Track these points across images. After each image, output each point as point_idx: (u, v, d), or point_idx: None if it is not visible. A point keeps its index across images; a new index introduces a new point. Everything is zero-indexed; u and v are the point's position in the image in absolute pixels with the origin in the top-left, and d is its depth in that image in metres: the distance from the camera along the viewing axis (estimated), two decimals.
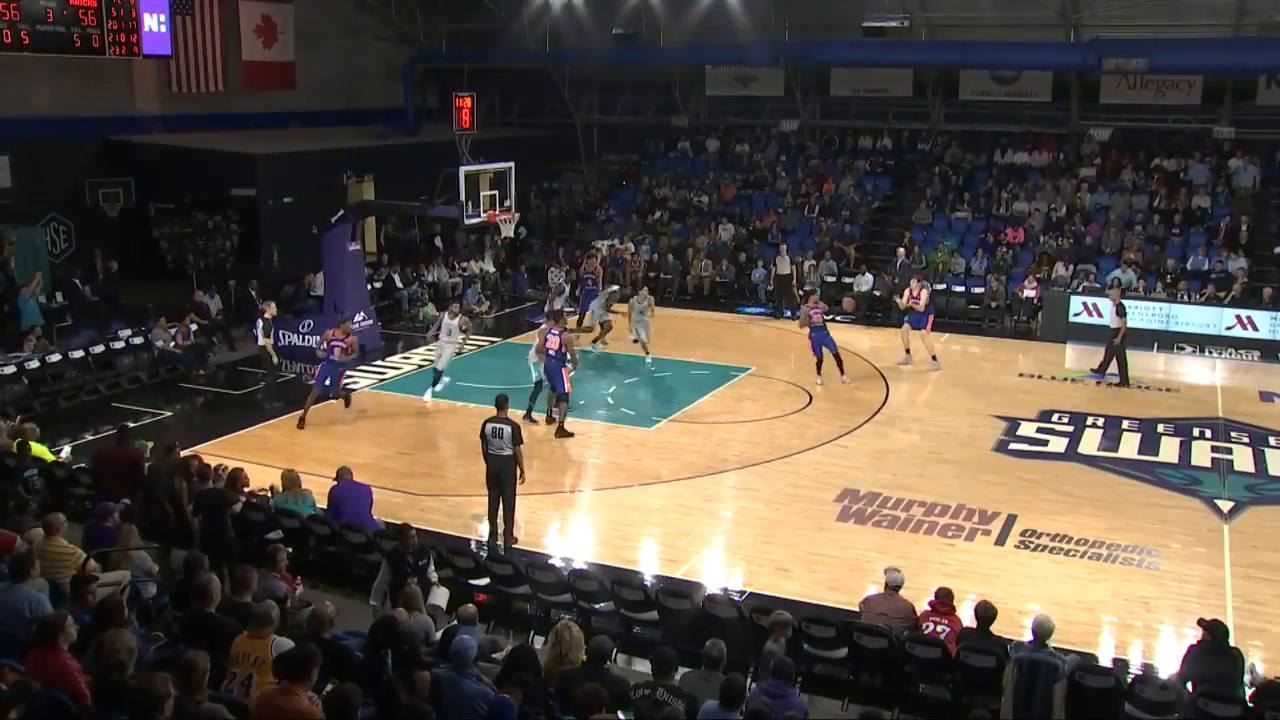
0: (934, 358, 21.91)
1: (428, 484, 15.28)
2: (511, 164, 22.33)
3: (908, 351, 22.04)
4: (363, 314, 23.03)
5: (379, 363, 22.13)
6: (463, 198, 20.93)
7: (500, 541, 13.17)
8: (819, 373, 20.26)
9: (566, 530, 14.15)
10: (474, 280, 28.54)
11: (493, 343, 24.30)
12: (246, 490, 12.60)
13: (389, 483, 15.05)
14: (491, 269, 29.75)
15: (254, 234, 26.62)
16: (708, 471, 15.91)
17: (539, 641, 10.86)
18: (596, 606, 10.98)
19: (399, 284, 27.26)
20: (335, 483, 12.68)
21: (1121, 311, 20.80)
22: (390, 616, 8.55)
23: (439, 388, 19.11)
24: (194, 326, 21.78)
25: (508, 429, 13.11)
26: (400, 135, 32.26)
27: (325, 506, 12.60)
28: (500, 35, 33.40)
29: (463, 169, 21.08)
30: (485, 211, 21.59)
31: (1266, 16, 26.32)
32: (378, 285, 26.59)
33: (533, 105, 37.19)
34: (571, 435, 17.27)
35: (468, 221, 21.87)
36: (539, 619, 11.24)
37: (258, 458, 13.86)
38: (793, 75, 33.81)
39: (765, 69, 33.66)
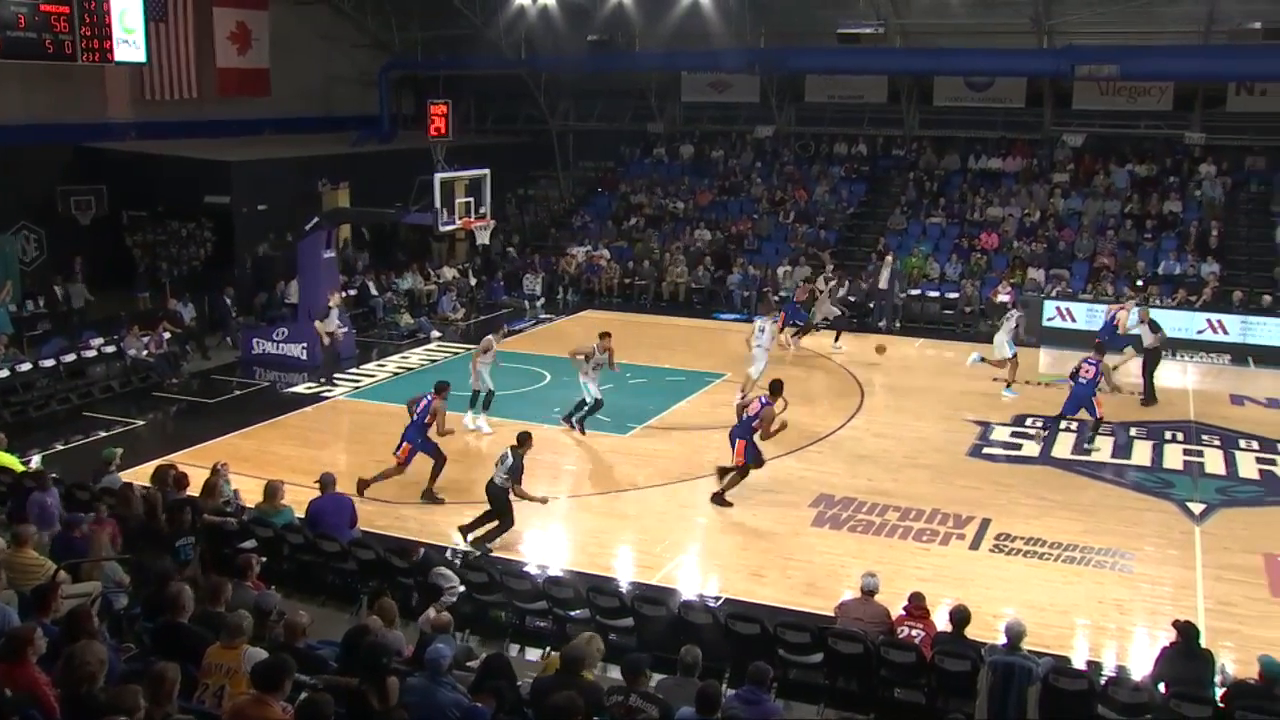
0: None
1: (403, 492, 15.18)
2: (487, 171, 22.37)
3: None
4: (337, 321, 22.95)
5: (354, 370, 22.04)
6: (438, 205, 20.93)
7: (472, 539, 13.37)
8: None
9: (542, 537, 14.11)
10: (449, 288, 28.49)
11: (468, 350, 24.20)
12: (224, 501, 12.57)
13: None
14: (458, 275, 29.65)
15: (229, 242, 26.52)
16: (683, 478, 15.91)
17: (514, 649, 10.90)
18: (571, 614, 10.95)
19: (374, 291, 27.18)
20: (318, 493, 12.59)
21: (1156, 327, 20.60)
22: (363, 625, 8.51)
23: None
24: (167, 335, 21.64)
25: (509, 460, 13.25)
26: (376, 142, 32.21)
27: (302, 517, 12.53)
28: (476, 42, 33.40)
29: (438, 176, 21.06)
30: (460, 219, 21.59)
31: (1235, 24, 26.53)
32: (352, 293, 26.51)
33: (509, 112, 37.19)
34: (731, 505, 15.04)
35: (443, 229, 21.86)
36: (514, 627, 11.23)
37: (232, 467, 13.72)
38: (768, 82, 33.96)
39: (740, 75, 33.81)
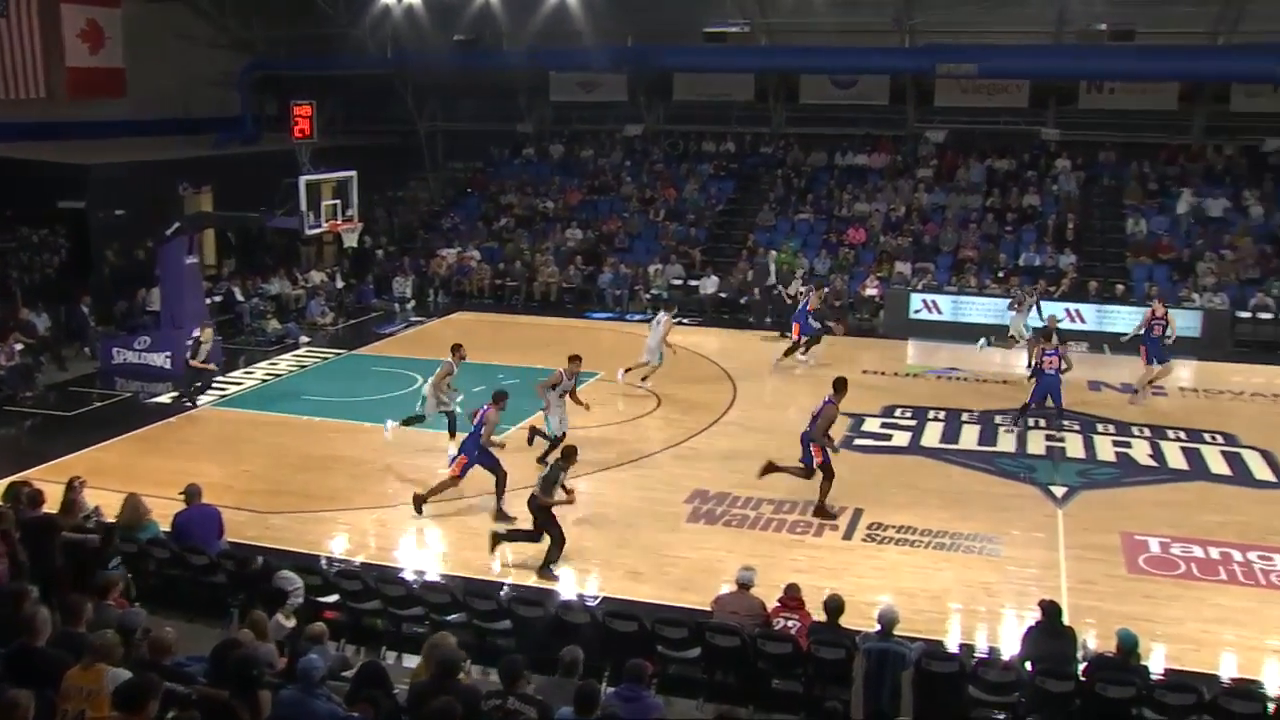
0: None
1: (273, 501, 14.88)
2: (354, 173, 22.03)
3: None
4: (204, 357, 22.29)
5: (220, 379, 21.42)
6: (304, 208, 20.53)
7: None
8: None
9: (418, 542, 13.94)
10: (317, 292, 27.95)
11: (338, 354, 23.83)
12: (84, 517, 12.10)
13: (233, 501, 14.57)
14: (325, 279, 29.11)
15: (85, 248, 25.62)
16: None
17: (390, 656, 10.74)
18: (448, 618, 10.83)
19: (239, 297, 26.52)
20: (184, 505, 12.21)
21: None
22: (233, 639, 8.29)
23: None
24: (19, 346, 20.78)
25: (544, 473, 12.80)
26: (239, 145, 31.43)
27: (168, 530, 12.15)
28: (340, 42, 32.86)
29: (303, 179, 20.67)
30: (327, 222, 21.23)
31: (1084, 25, 27.58)
32: (217, 299, 25.85)
33: (376, 113, 36.65)
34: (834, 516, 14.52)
35: (309, 232, 21.46)
36: (390, 634, 11.06)
37: (93, 482, 13.21)
38: (636, 80, 34.14)
39: (609, 74, 33.87)
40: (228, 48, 33.89)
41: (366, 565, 12.71)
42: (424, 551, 13.68)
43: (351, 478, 15.75)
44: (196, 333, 19.90)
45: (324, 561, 12.88)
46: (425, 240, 32.72)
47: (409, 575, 12.46)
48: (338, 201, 21.47)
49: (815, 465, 14.48)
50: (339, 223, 21.53)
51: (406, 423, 16.77)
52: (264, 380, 21.41)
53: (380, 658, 10.50)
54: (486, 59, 32.62)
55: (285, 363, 23.01)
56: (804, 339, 22.46)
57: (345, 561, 12.93)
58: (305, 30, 33.31)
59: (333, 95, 34.79)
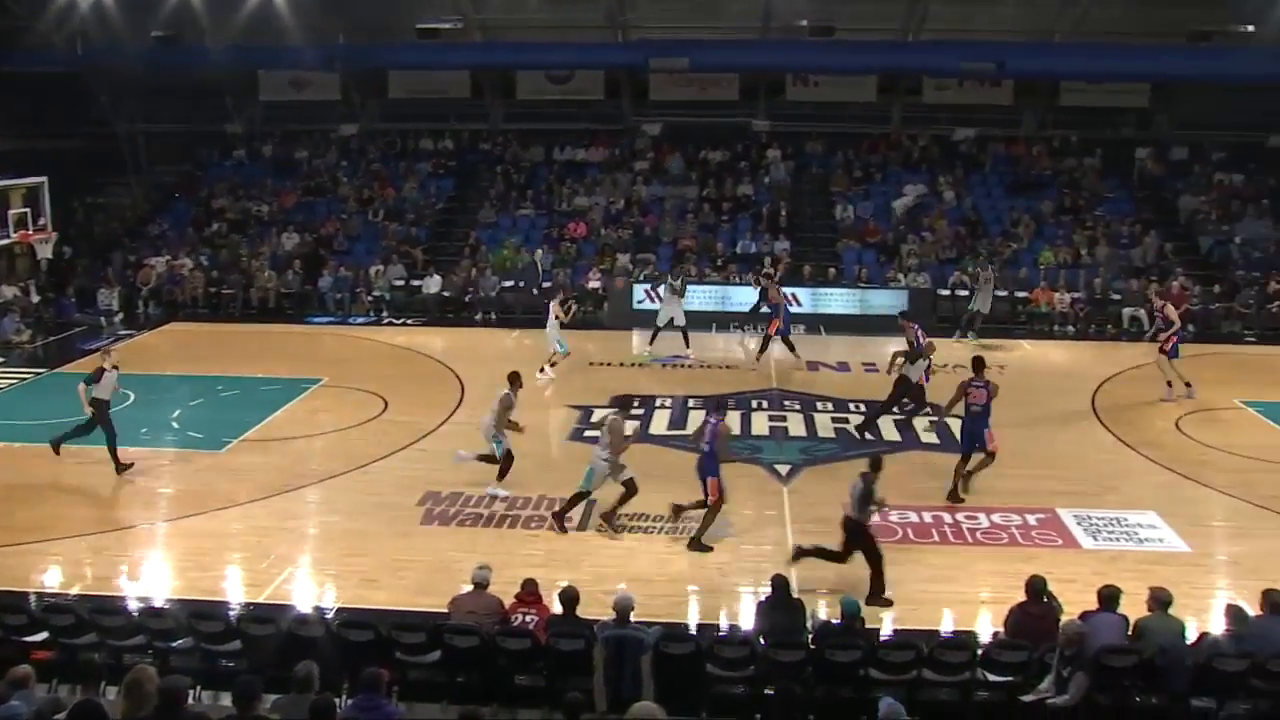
0: None
1: None
2: (44, 179, 20.65)
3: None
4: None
5: None
6: None
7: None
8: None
9: (138, 567, 13.11)
10: (10, 308, 25.93)
11: (37, 374, 22.22)
12: None
13: None
14: (19, 294, 27.05)
15: None
16: (285, 489, 15.27)
17: (110, 692, 10.08)
18: (173, 644, 10.27)
19: None
20: None
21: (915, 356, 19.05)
22: None
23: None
24: None
25: (859, 488, 11.98)
26: None
27: None
28: (22, 36, 30.48)
29: None
30: (16, 232, 19.82)
31: (787, 22, 28.75)
32: None
33: (68, 113, 34.24)
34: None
35: None
36: (111, 667, 10.38)
37: None
38: (349, 78, 33.35)
39: (321, 72, 32.92)
40: None
41: (82, 597, 11.89)
42: (147, 576, 12.88)
43: (60, 505, 14.71)
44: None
45: (32, 598, 11.95)
46: (131, 249, 30.90)
47: (131, 603, 11.73)
48: (28, 210, 20.10)
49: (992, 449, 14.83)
50: (30, 233, 20.15)
51: (483, 459, 15.20)
52: None
53: (100, 694, 9.84)
54: (188, 56, 30.90)
55: None
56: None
57: (58, 595, 12.04)
58: None
59: (16, 94, 32.34)
